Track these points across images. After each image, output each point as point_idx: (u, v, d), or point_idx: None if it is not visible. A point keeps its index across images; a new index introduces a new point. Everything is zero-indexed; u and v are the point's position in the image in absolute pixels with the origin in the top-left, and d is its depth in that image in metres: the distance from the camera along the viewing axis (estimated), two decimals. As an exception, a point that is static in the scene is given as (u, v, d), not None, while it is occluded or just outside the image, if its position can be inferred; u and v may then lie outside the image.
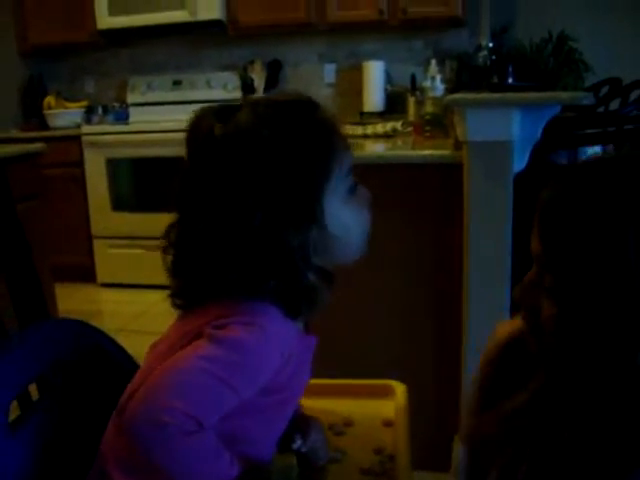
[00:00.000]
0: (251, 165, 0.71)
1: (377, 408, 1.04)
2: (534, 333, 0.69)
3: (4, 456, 0.75)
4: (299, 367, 0.80)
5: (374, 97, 3.83)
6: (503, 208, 1.63)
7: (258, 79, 4.12)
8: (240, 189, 0.71)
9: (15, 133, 4.09)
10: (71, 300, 3.41)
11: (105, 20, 4.02)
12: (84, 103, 4.31)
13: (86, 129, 3.94)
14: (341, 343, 1.81)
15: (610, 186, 0.62)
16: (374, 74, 3.84)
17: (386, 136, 2.53)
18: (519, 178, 1.65)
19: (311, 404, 0.94)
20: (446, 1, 3.57)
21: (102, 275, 3.98)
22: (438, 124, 2.16)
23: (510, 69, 2.87)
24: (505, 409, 0.74)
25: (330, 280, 0.78)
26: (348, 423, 1.00)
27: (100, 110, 4.26)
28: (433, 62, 3.34)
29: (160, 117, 3.91)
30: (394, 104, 3.76)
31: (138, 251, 3.77)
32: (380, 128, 2.56)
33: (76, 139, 3.88)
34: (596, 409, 0.64)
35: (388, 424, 1.00)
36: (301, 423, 0.86)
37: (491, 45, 3.36)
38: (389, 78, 3.90)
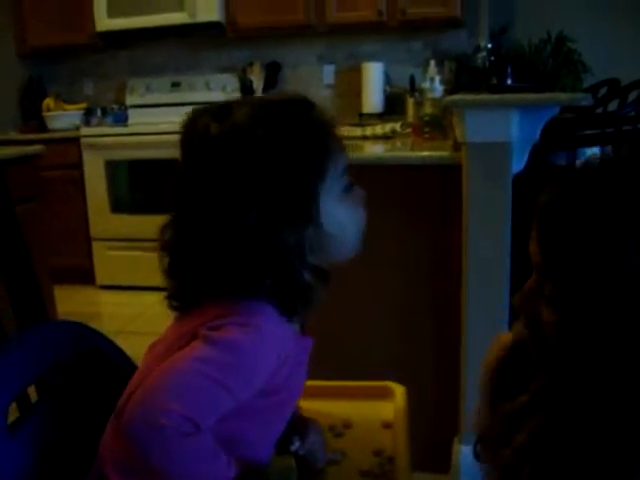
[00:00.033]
0: (247, 164, 0.72)
1: (376, 410, 1.04)
2: (535, 341, 0.69)
3: (3, 458, 0.75)
4: (296, 369, 0.80)
5: (373, 98, 3.83)
6: (502, 209, 1.63)
7: (257, 81, 4.12)
8: (236, 188, 0.71)
9: (14, 135, 4.09)
10: (70, 302, 3.40)
11: (104, 22, 4.01)
12: (83, 105, 4.31)
13: (85, 131, 3.94)
14: (340, 343, 1.81)
15: (610, 189, 0.61)
16: (373, 75, 3.84)
17: (385, 137, 2.53)
18: (518, 179, 1.65)
19: (310, 406, 0.94)
20: (445, 2, 3.57)
21: (101, 277, 3.97)
22: (437, 125, 2.16)
23: (509, 70, 2.87)
24: (505, 409, 0.74)
25: (325, 278, 0.78)
26: (347, 425, 1.00)
27: (99, 112, 4.25)
28: (432, 63, 3.33)
29: (159, 119, 3.90)
30: (393, 105, 3.76)
31: (137, 253, 3.76)
32: (379, 129, 2.56)
33: (75, 141, 3.88)
34: (598, 414, 0.63)
35: (387, 426, 1.00)
36: (299, 425, 0.86)
37: (490, 46, 3.37)
38: (388, 79, 3.90)
